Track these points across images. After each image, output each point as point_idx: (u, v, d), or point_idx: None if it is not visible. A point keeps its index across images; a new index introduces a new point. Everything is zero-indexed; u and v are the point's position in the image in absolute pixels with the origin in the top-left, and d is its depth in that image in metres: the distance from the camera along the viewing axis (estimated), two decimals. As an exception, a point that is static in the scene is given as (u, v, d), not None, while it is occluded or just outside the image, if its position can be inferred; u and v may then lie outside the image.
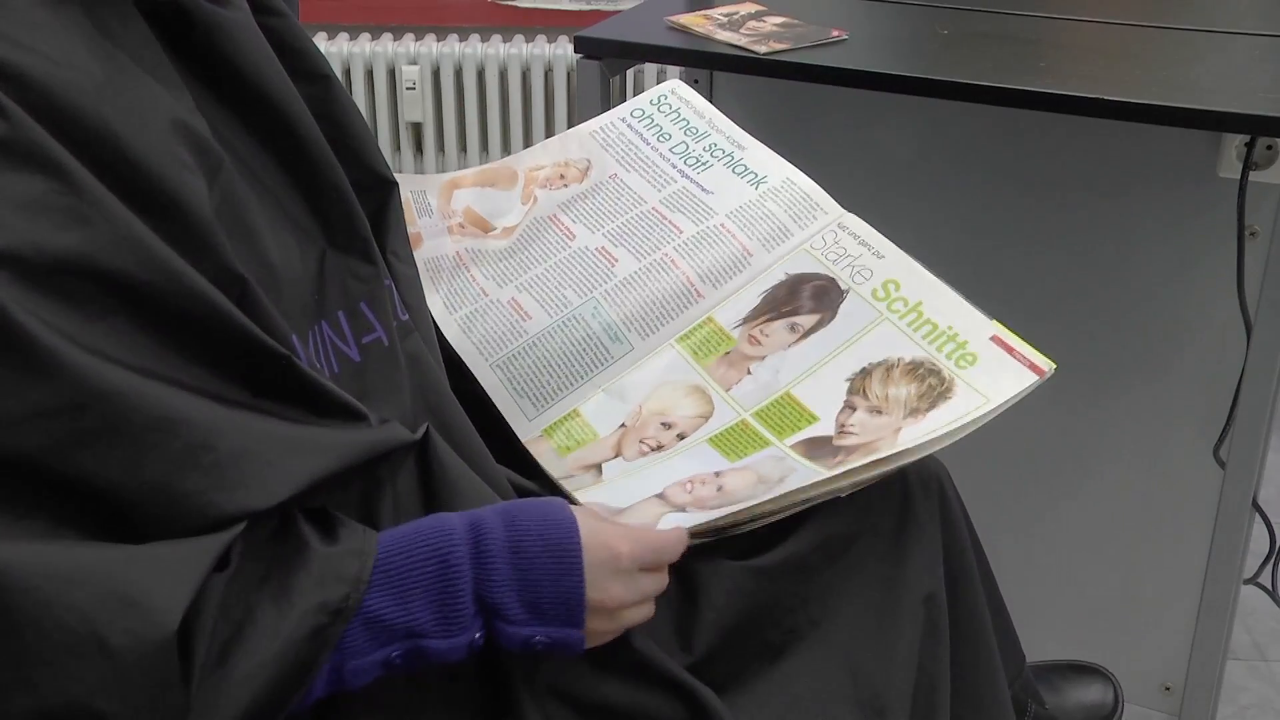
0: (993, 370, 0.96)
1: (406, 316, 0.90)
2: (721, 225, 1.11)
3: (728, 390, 1.02)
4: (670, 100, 1.23)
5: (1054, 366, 0.94)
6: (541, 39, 2.95)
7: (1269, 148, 1.39)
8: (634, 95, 1.36)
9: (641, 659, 0.85)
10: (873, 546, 0.98)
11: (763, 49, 1.42)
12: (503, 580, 0.76)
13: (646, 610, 0.83)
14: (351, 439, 0.75)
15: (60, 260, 0.63)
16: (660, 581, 0.84)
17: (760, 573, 0.92)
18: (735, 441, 0.98)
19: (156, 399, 0.65)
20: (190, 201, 0.69)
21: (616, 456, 1.00)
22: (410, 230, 1.00)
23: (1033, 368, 0.95)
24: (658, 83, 2.90)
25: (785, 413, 0.99)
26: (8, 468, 0.62)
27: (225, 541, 0.67)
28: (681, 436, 1.00)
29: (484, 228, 1.16)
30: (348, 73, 2.92)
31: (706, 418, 1.01)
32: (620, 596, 0.80)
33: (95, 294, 0.64)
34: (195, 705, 0.65)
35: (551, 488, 1.01)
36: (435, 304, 1.09)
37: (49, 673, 0.62)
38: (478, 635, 0.76)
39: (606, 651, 0.84)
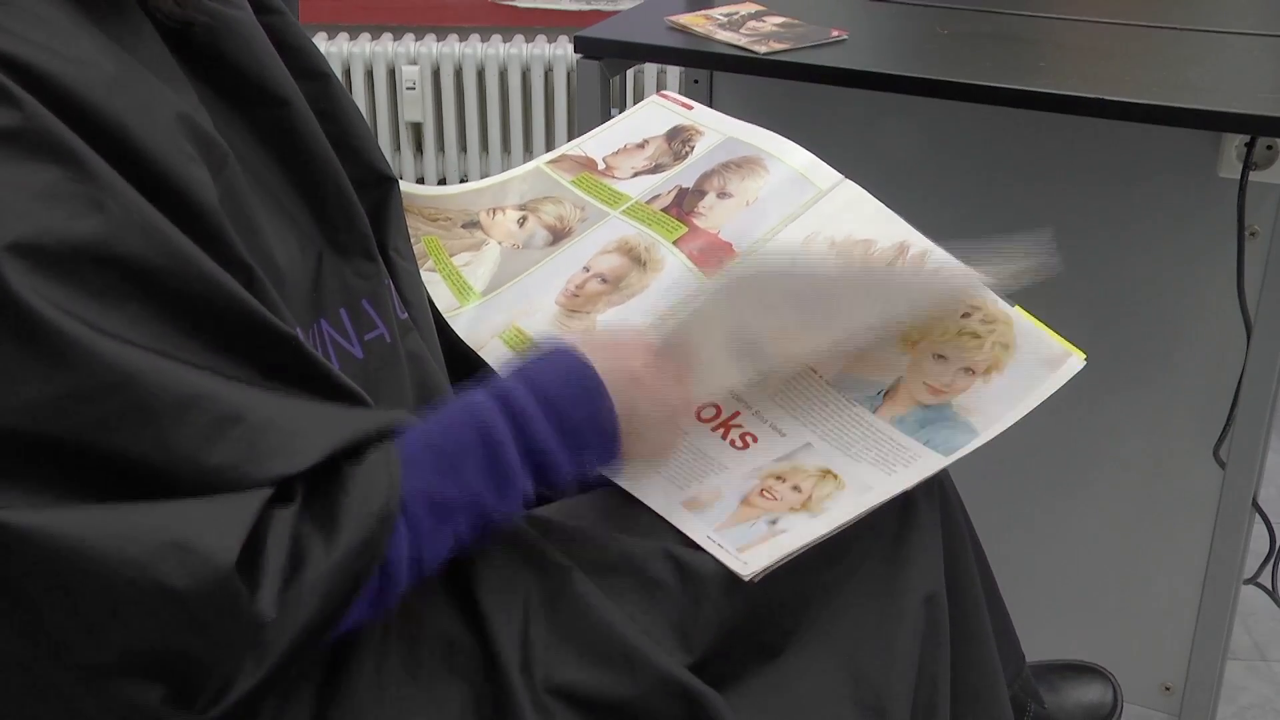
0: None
1: (406, 314, 0.90)
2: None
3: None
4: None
5: (1085, 358, 0.96)
6: (541, 39, 2.95)
7: (1269, 148, 1.39)
8: (634, 96, 1.37)
9: (642, 657, 0.85)
10: (873, 547, 0.97)
11: (763, 49, 1.41)
12: (541, 427, 0.80)
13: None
14: (362, 415, 0.76)
15: (77, 247, 0.64)
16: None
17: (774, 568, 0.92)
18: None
19: (178, 378, 0.67)
20: (197, 193, 0.69)
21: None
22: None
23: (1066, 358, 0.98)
24: (658, 83, 2.91)
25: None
26: (42, 450, 0.64)
27: (271, 488, 0.69)
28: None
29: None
30: (348, 73, 2.92)
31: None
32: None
33: (112, 280, 0.65)
34: (269, 629, 0.68)
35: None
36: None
37: (121, 624, 0.65)
38: (529, 488, 0.81)
39: (607, 649, 0.84)
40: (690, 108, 1.23)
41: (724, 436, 1.00)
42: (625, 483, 0.97)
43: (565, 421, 0.81)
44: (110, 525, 0.64)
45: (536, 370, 0.83)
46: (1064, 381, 0.97)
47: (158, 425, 0.65)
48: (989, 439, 0.96)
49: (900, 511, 0.98)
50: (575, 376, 0.83)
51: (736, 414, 1.01)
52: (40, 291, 0.62)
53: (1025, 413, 0.96)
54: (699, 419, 1.01)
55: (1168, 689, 1.65)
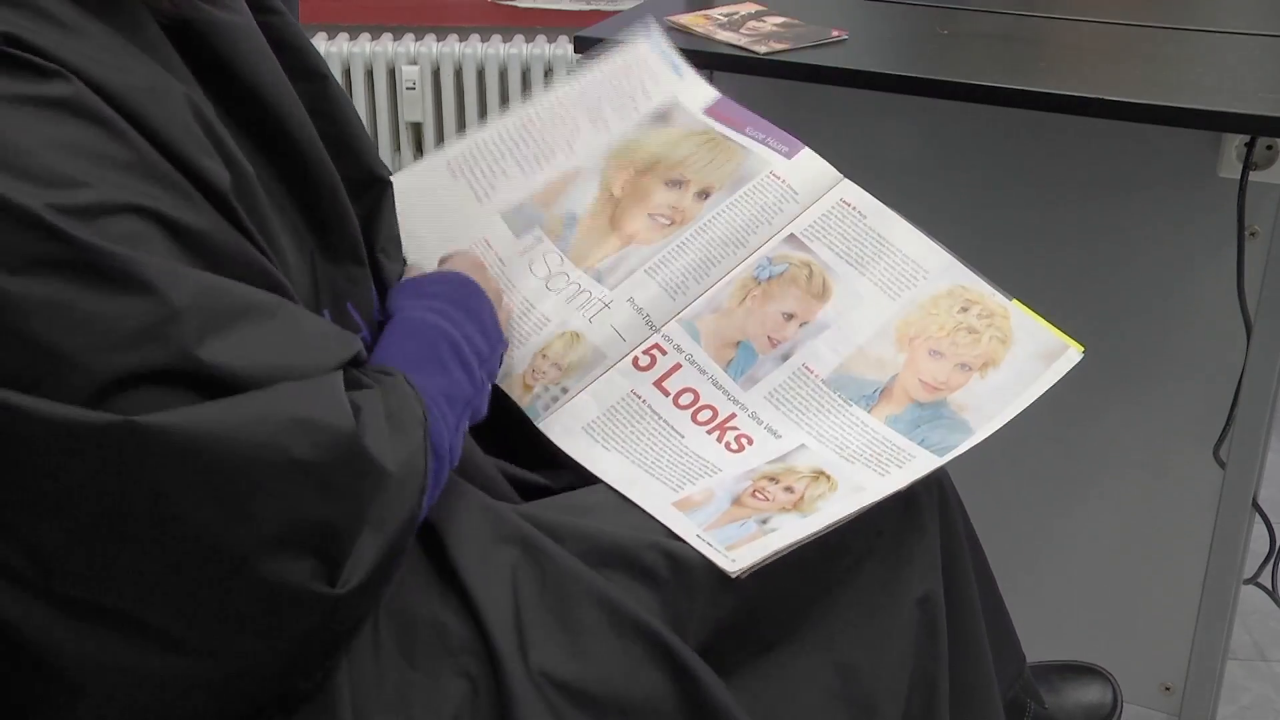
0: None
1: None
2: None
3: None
4: None
5: (1083, 350, 0.96)
6: (541, 39, 2.95)
7: (1269, 148, 1.39)
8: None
9: (632, 626, 0.85)
10: (872, 547, 0.98)
11: (763, 49, 1.41)
12: (468, 325, 0.93)
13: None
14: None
15: (125, 205, 0.66)
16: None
17: (756, 569, 0.92)
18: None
19: (236, 286, 0.70)
20: (214, 181, 0.72)
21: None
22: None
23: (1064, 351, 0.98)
24: (658, 83, 2.90)
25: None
26: (148, 379, 0.65)
27: (346, 362, 0.75)
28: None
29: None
30: (348, 73, 2.92)
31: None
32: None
33: (157, 237, 0.67)
34: (393, 481, 0.74)
35: (554, 479, 1.01)
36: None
37: (263, 503, 0.68)
38: (483, 377, 0.92)
39: (597, 624, 0.85)
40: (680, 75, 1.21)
41: (719, 439, 1.00)
42: (618, 483, 0.97)
43: (478, 320, 0.94)
44: (233, 414, 0.67)
45: (439, 288, 0.95)
46: (1062, 374, 0.97)
47: (239, 328, 0.69)
48: (986, 436, 0.96)
49: (899, 512, 0.98)
50: (462, 285, 0.96)
51: (732, 415, 1.01)
52: (107, 237, 0.65)
53: (1023, 407, 0.96)
54: (694, 421, 1.01)
55: (1168, 689, 1.65)
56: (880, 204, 1.09)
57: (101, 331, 0.64)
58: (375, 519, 0.73)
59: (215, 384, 0.67)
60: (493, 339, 0.95)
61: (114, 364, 0.64)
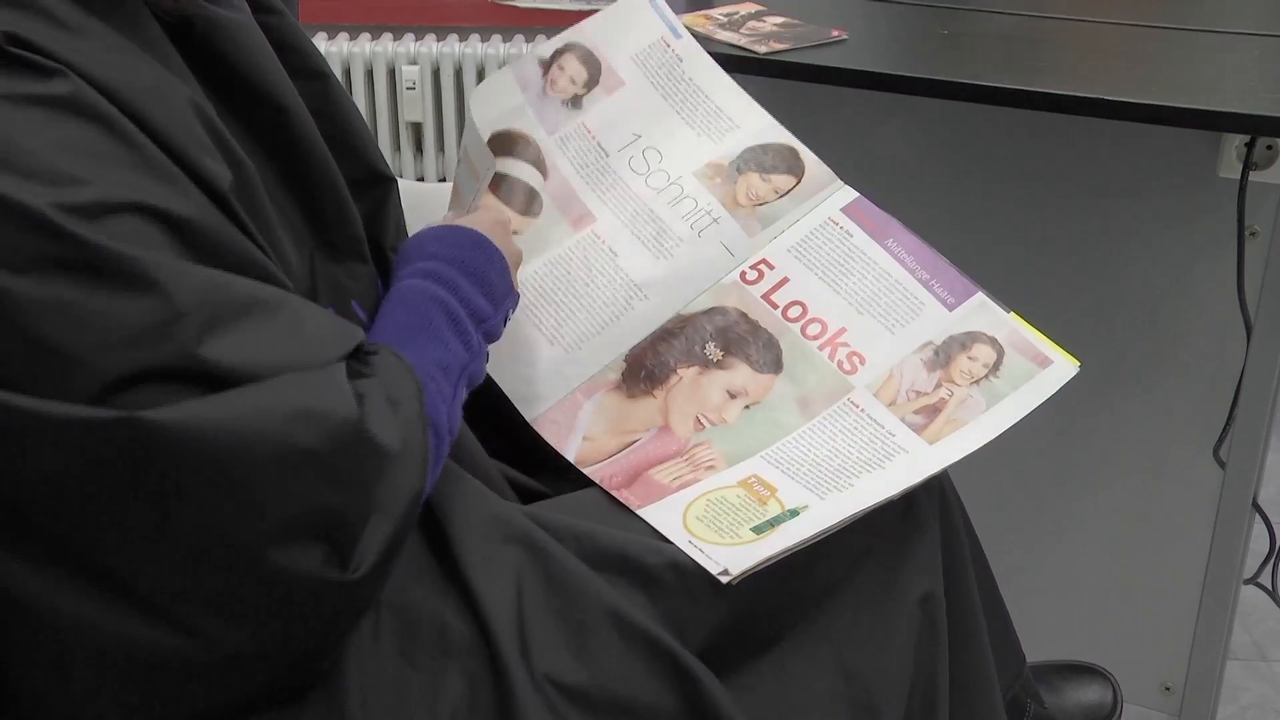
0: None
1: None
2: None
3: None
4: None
5: (1078, 365, 0.96)
6: (541, 39, 2.95)
7: (1269, 148, 1.39)
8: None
9: (637, 635, 0.85)
10: (871, 547, 0.98)
11: (763, 49, 1.41)
12: (474, 293, 0.91)
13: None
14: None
15: (128, 203, 0.67)
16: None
17: (757, 570, 0.92)
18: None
19: (239, 282, 0.70)
20: (213, 180, 0.72)
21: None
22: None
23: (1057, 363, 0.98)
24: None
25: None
26: (151, 378, 0.66)
27: (349, 349, 0.75)
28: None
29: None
30: (348, 73, 2.92)
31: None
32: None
33: (158, 235, 0.68)
34: (396, 463, 0.74)
35: (555, 485, 1.01)
36: None
37: (271, 494, 0.68)
38: (481, 343, 0.91)
39: (602, 629, 0.85)
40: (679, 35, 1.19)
41: None
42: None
43: (481, 280, 0.92)
44: (236, 407, 0.67)
45: (439, 247, 0.93)
46: (1057, 388, 0.97)
47: (238, 326, 0.69)
48: (985, 443, 0.96)
49: (899, 511, 0.98)
50: (468, 244, 0.93)
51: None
52: (112, 236, 0.65)
53: (1018, 418, 0.96)
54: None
55: (1168, 689, 1.65)
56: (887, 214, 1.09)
57: (106, 330, 0.65)
58: (383, 502, 0.73)
59: (216, 381, 0.67)
60: (498, 297, 0.93)
61: (118, 363, 0.65)
